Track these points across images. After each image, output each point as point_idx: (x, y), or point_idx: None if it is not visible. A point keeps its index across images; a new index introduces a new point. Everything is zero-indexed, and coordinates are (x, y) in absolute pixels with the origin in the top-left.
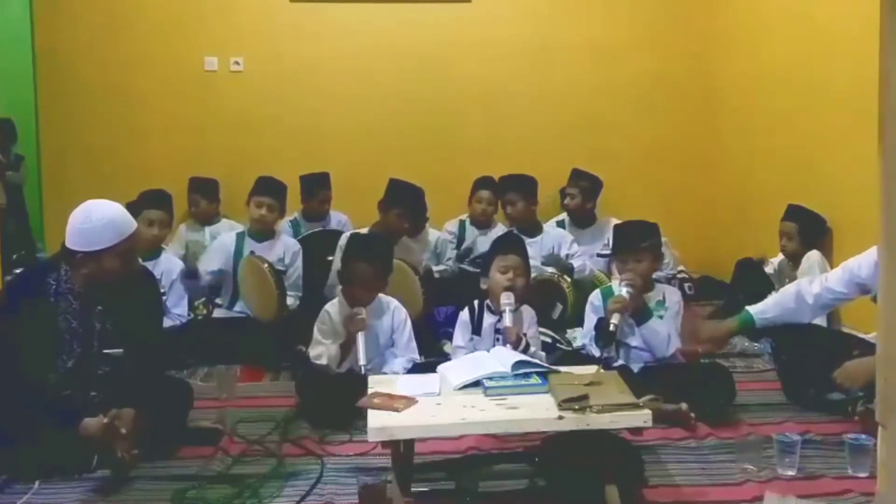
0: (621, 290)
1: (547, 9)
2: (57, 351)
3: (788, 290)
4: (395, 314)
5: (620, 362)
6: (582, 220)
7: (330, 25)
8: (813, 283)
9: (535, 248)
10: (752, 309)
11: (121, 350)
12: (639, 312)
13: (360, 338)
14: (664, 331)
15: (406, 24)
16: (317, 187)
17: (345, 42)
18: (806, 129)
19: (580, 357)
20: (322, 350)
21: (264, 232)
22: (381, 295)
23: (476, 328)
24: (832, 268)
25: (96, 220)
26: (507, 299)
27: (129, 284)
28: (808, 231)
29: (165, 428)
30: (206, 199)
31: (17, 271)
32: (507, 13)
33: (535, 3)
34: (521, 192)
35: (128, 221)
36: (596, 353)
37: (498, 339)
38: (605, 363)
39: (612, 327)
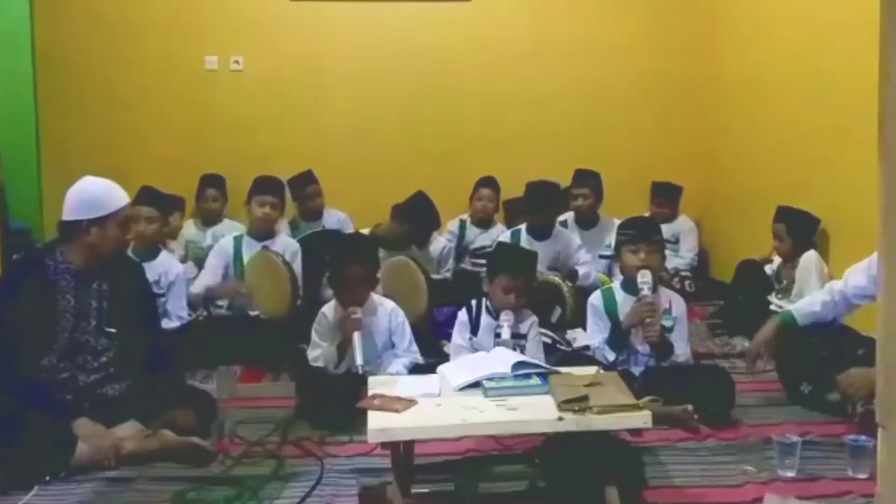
0: (642, 287)
1: (546, 8)
2: (58, 330)
3: (822, 289)
4: (392, 316)
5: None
6: (588, 220)
7: (329, 25)
8: (839, 282)
9: (546, 251)
10: (792, 307)
11: (115, 329)
12: (663, 351)
13: (357, 338)
14: (682, 357)
15: (406, 23)
16: (304, 184)
17: (344, 41)
18: (806, 129)
19: (581, 358)
20: (320, 352)
21: (265, 231)
22: (374, 296)
23: (473, 328)
24: (829, 268)
25: (97, 188)
26: (506, 316)
27: (121, 267)
28: (797, 230)
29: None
30: (217, 189)
31: (15, 256)
32: (506, 13)
33: (534, 3)
34: (548, 202)
35: (122, 191)
36: (610, 356)
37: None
38: (618, 367)
39: (654, 336)
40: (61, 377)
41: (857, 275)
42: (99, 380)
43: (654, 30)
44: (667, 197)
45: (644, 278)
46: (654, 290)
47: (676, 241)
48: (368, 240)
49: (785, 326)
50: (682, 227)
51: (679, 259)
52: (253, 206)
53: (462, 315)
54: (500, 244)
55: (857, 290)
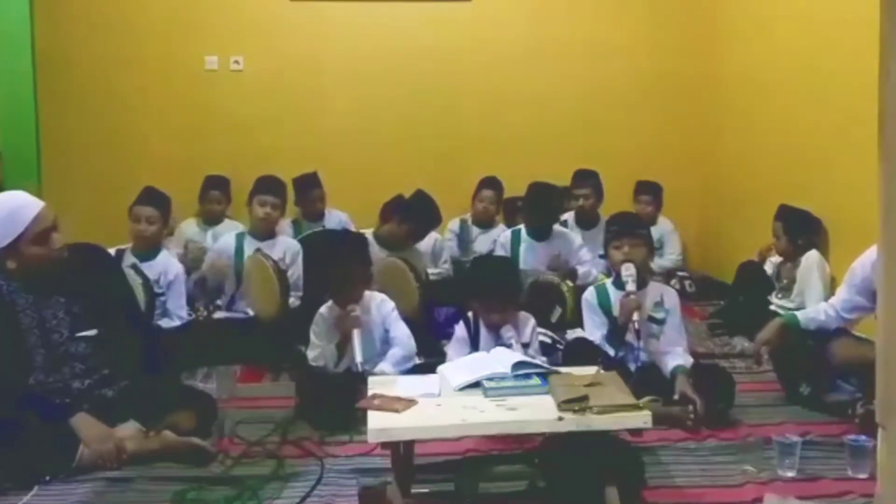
0: (626, 280)
1: (546, 8)
2: (29, 347)
3: (826, 301)
4: (381, 307)
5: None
6: (588, 220)
7: (329, 25)
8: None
9: (546, 251)
10: (798, 313)
11: (94, 331)
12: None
13: (356, 335)
14: (680, 348)
15: (406, 23)
16: (308, 187)
17: (344, 41)
18: (806, 129)
19: (584, 349)
20: (319, 352)
21: (266, 231)
22: (367, 292)
23: (473, 342)
24: (831, 268)
25: None
26: (508, 332)
27: (83, 264)
28: (794, 229)
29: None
30: (221, 191)
31: None
32: (506, 13)
33: (534, 3)
34: (546, 203)
35: (29, 205)
36: (611, 352)
37: None
38: (620, 363)
39: (636, 325)
40: (56, 387)
41: (841, 290)
42: (93, 383)
43: (654, 30)
44: (652, 193)
45: (628, 271)
46: (643, 284)
47: (661, 247)
48: (360, 237)
49: (788, 327)
50: (663, 229)
51: (663, 262)
52: (254, 206)
53: (459, 330)
54: (471, 268)
55: (844, 304)
